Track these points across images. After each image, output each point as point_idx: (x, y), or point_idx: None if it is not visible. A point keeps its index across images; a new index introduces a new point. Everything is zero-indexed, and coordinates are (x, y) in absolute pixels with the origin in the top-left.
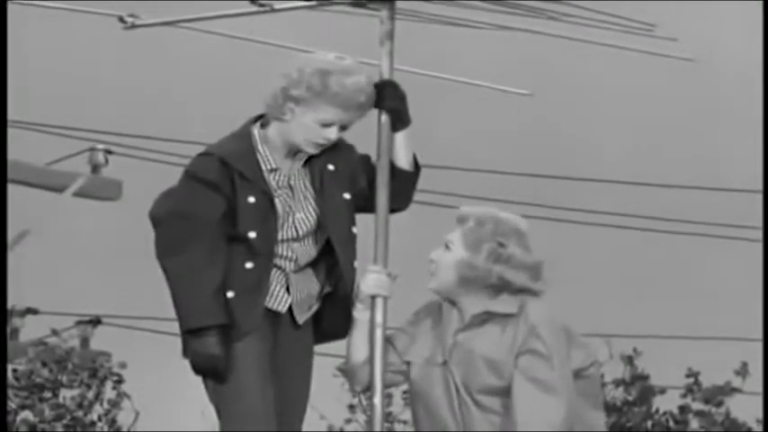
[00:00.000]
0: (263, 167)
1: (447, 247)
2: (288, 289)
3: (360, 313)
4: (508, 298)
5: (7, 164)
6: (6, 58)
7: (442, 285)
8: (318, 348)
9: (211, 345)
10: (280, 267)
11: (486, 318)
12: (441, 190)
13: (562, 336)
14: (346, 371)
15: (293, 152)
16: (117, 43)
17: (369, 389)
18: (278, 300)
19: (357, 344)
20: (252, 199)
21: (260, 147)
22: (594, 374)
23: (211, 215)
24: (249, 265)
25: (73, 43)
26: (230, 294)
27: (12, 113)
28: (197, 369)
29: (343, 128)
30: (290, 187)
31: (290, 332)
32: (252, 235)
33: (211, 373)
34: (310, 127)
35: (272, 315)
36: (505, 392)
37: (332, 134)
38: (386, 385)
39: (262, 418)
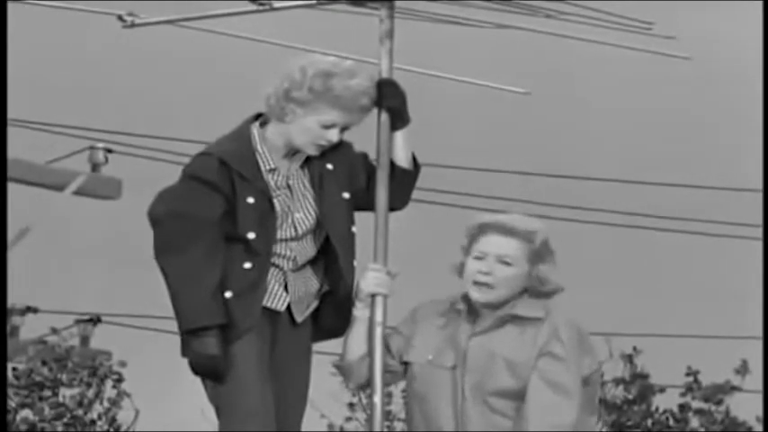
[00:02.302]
0: (263, 167)
1: (506, 262)
2: (286, 288)
3: (359, 311)
4: (531, 301)
5: (7, 163)
6: (6, 57)
7: (501, 299)
8: (319, 347)
9: (210, 345)
10: (278, 266)
11: (507, 319)
12: (440, 188)
13: (577, 339)
14: (341, 367)
15: (292, 152)
16: (117, 42)
17: (364, 386)
18: (277, 298)
19: (353, 341)
20: (251, 199)
21: (259, 147)
22: (597, 380)
23: (210, 215)
24: (248, 265)
25: (73, 42)
26: (228, 294)
27: (11, 112)
28: (196, 369)
29: (344, 129)
30: (289, 187)
31: (289, 331)
32: (251, 235)
33: (210, 373)
34: (312, 129)
35: (271, 314)
36: (520, 395)
37: (333, 136)
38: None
39: (261, 417)
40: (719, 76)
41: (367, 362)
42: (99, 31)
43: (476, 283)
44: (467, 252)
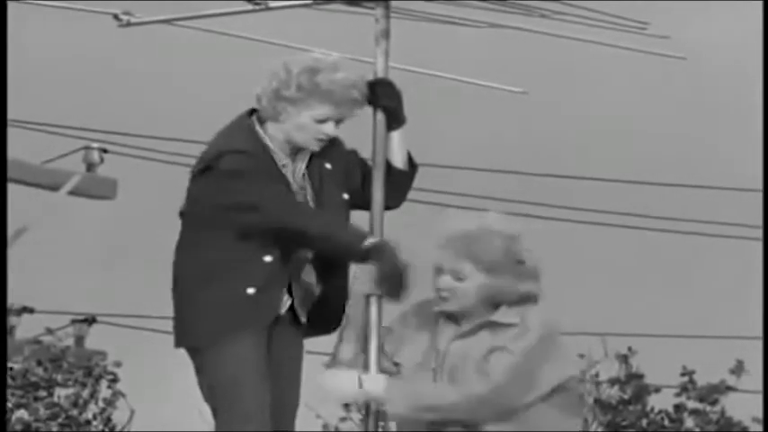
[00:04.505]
0: (278, 163)
1: (459, 278)
2: (289, 289)
3: (353, 310)
4: (507, 309)
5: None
6: (6, 58)
7: (462, 308)
8: (314, 347)
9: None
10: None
11: (485, 325)
12: (435, 188)
13: (546, 343)
14: (330, 365)
15: (295, 150)
16: (113, 42)
17: None
18: (279, 301)
19: (346, 341)
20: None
21: (270, 144)
22: (575, 388)
23: (280, 187)
24: (268, 258)
25: (68, 42)
26: (251, 291)
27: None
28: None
29: (338, 121)
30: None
31: (288, 332)
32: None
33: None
34: (307, 125)
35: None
36: None
37: (329, 129)
38: None
39: (258, 420)
40: (720, 75)
41: (358, 362)
42: (95, 30)
43: None
44: None
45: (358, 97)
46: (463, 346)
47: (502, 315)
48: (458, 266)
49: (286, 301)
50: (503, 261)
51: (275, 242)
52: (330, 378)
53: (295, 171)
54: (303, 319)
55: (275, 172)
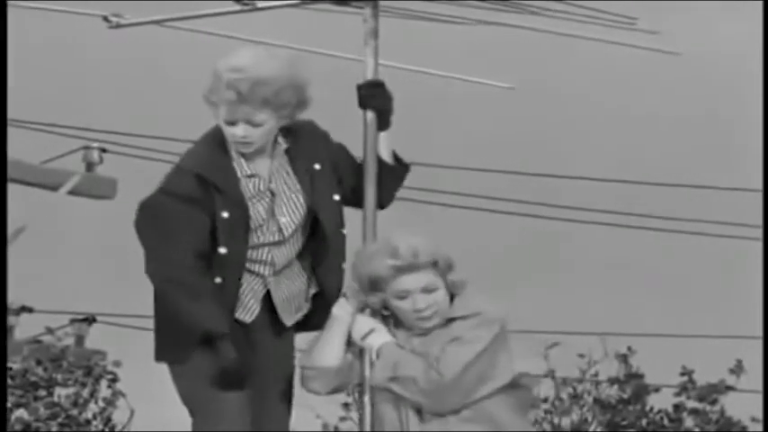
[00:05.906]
0: (239, 174)
1: (430, 290)
2: (268, 294)
3: (340, 309)
4: (459, 301)
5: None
6: (6, 58)
7: (444, 318)
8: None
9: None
10: (257, 273)
11: (442, 324)
12: (426, 187)
13: (504, 337)
14: (313, 369)
15: (260, 153)
16: (111, 42)
17: (327, 394)
18: (246, 310)
19: (331, 346)
20: (225, 214)
21: (234, 153)
22: (529, 385)
23: (192, 231)
24: (218, 280)
25: (68, 42)
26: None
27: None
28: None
29: (254, 125)
30: (271, 191)
31: (272, 336)
32: (222, 250)
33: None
34: (225, 129)
35: (248, 326)
36: None
37: (238, 131)
38: (344, 386)
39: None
40: (719, 74)
41: (341, 370)
42: (92, 30)
43: None
44: None
45: (236, 98)
46: (423, 343)
47: (456, 310)
48: (428, 283)
49: (254, 312)
50: (452, 269)
51: (228, 263)
52: (359, 318)
53: (270, 175)
54: (288, 323)
55: (228, 186)
